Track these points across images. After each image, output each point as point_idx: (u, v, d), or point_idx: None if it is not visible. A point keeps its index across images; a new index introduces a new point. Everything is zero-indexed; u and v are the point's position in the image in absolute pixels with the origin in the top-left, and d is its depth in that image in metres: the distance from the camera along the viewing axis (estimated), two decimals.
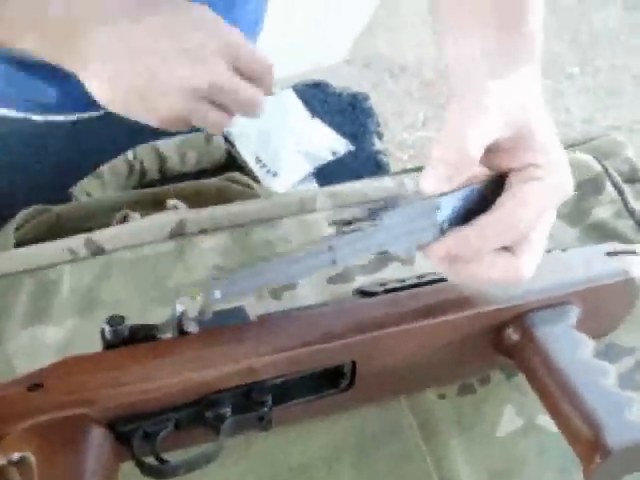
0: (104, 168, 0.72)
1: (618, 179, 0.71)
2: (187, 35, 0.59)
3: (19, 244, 0.63)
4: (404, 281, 0.54)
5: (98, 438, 0.44)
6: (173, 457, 0.46)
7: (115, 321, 0.48)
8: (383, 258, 0.61)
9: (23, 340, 0.55)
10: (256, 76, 0.61)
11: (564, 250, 0.59)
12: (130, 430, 0.46)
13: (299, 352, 0.48)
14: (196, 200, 0.68)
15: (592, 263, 0.57)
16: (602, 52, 2.27)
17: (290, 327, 0.49)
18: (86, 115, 0.80)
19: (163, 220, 0.61)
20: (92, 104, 0.79)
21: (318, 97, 0.87)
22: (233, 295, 0.43)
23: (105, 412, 0.45)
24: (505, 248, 0.47)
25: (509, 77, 0.50)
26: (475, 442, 0.54)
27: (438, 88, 2.02)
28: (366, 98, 0.90)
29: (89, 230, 0.62)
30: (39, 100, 0.78)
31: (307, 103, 0.85)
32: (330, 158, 0.80)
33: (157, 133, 0.76)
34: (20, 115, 0.80)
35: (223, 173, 0.73)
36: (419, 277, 0.54)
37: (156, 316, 0.50)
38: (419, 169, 0.67)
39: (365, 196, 0.66)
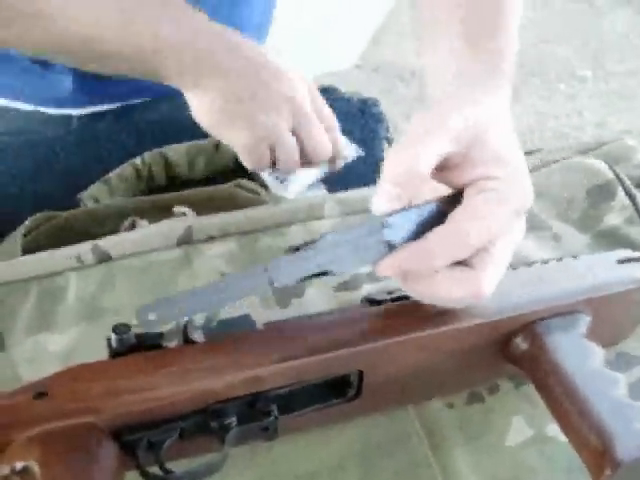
0: (112, 174, 0.72)
1: (630, 185, 0.70)
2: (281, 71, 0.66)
3: (27, 250, 0.63)
4: None
5: (103, 447, 0.44)
6: (177, 466, 0.46)
7: (121, 329, 0.47)
8: None
9: (28, 347, 0.55)
10: (325, 124, 0.69)
11: (575, 257, 0.58)
12: (135, 439, 0.46)
13: (305, 361, 0.47)
14: (204, 207, 0.68)
15: (603, 271, 0.56)
16: (614, 56, 2.26)
17: (297, 336, 0.49)
18: (100, 108, 0.81)
19: (170, 227, 0.61)
20: (106, 97, 0.80)
21: (327, 102, 0.86)
22: (168, 317, 0.43)
23: (110, 421, 0.45)
24: (464, 263, 0.46)
25: (469, 93, 0.51)
26: (483, 452, 0.53)
27: None
28: (376, 103, 0.89)
29: (97, 236, 0.61)
30: (54, 94, 0.79)
31: None
32: (340, 164, 0.80)
33: (165, 139, 0.76)
34: (34, 108, 0.80)
35: (231, 179, 0.72)
36: None
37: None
38: None
39: None
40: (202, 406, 0.46)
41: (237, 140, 0.65)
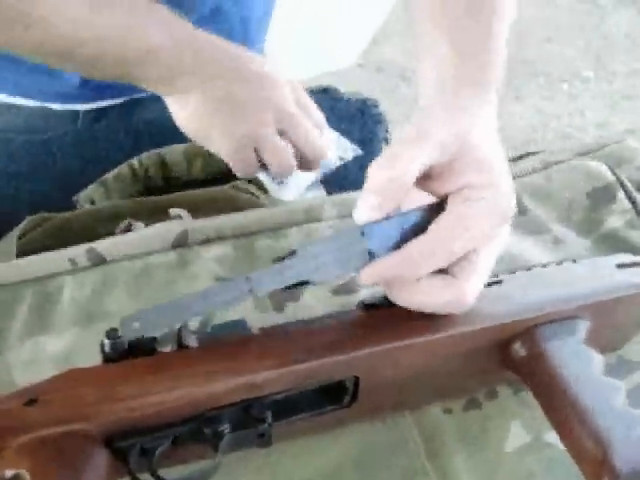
0: (109, 176, 0.72)
1: (631, 188, 0.70)
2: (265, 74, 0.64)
3: (22, 252, 0.63)
4: None
5: (94, 454, 0.44)
6: (170, 474, 0.45)
7: (114, 334, 0.47)
8: None
9: (23, 350, 0.55)
10: (312, 119, 0.67)
11: (574, 261, 0.58)
12: (127, 446, 0.45)
13: (301, 367, 0.47)
14: (201, 208, 0.67)
15: (602, 276, 0.56)
16: (617, 56, 2.25)
17: (292, 342, 0.48)
18: (105, 103, 0.80)
19: (166, 230, 0.60)
20: (112, 91, 0.79)
21: (327, 103, 0.86)
22: (151, 328, 0.43)
23: (102, 427, 0.44)
24: (446, 271, 0.46)
25: (454, 102, 0.51)
26: (481, 458, 0.53)
27: None
28: (375, 104, 0.89)
29: (93, 238, 0.61)
30: (61, 90, 0.78)
31: None
32: (338, 164, 0.79)
33: (163, 140, 0.76)
34: (39, 105, 0.80)
35: (229, 181, 0.72)
36: None
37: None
38: None
39: None
40: (195, 413, 0.46)
41: (219, 147, 0.65)
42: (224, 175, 0.76)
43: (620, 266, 0.57)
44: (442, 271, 0.46)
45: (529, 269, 0.56)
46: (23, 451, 0.42)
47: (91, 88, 0.78)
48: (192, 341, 0.48)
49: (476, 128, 0.49)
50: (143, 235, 0.60)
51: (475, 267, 0.47)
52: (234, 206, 0.68)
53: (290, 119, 0.64)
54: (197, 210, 0.66)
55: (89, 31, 0.59)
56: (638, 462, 0.45)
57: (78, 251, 0.59)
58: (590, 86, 2.18)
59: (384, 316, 0.51)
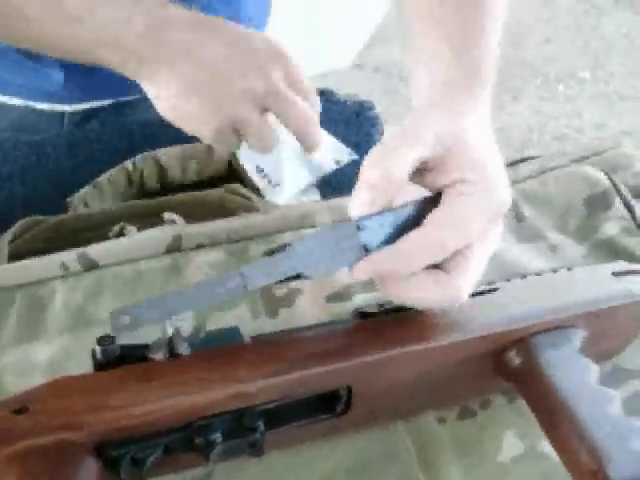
0: (103, 178, 0.71)
1: (627, 194, 0.69)
2: (245, 42, 0.61)
3: (14, 256, 0.62)
4: None
5: (85, 464, 0.43)
6: None
7: (106, 341, 0.46)
8: None
9: (13, 357, 0.54)
10: (302, 94, 0.63)
11: (569, 269, 0.57)
12: (118, 455, 0.44)
13: (293, 377, 0.46)
14: (196, 212, 0.67)
15: (598, 284, 0.55)
16: (614, 57, 2.25)
17: (285, 350, 0.48)
18: (92, 104, 0.80)
19: (159, 235, 0.60)
20: (98, 92, 0.79)
21: (323, 105, 0.85)
22: (142, 322, 0.43)
23: (92, 437, 0.44)
24: (439, 267, 0.46)
25: (448, 99, 0.51)
26: (474, 467, 0.52)
27: None
28: (371, 106, 0.88)
29: (86, 242, 0.60)
30: (45, 87, 0.78)
31: None
32: (333, 167, 0.79)
33: (156, 141, 0.75)
34: (26, 103, 0.79)
35: (224, 183, 0.71)
36: None
37: (149, 334, 0.49)
38: None
39: None
40: (187, 422, 0.45)
41: (198, 130, 0.63)
42: (219, 178, 0.76)
43: (616, 274, 0.57)
44: (435, 267, 0.46)
45: (524, 277, 0.56)
46: (12, 460, 0.42)
47: (76, 87, 0.77)
48: (184, 349, 0.47)
49: (471, 126, 0.49)
50: (136, 240, 0.60)
51: (469, 263, 0.46)
52: (228, 209, 0.68)
53: (277, 97, 0.62)
54: (191, 213, 0.66)
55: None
56: (633, 474, 0.45)
57: (70, 256, 0.58)
58: (587, 87, 2.18)
59: (378, 325, 0.50)
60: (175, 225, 0.61)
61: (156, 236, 0.60)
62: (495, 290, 0.54)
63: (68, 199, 0.71)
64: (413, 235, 0.45)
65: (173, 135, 0.75)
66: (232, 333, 0.49)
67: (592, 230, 0.67)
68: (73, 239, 0.64)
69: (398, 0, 0.62)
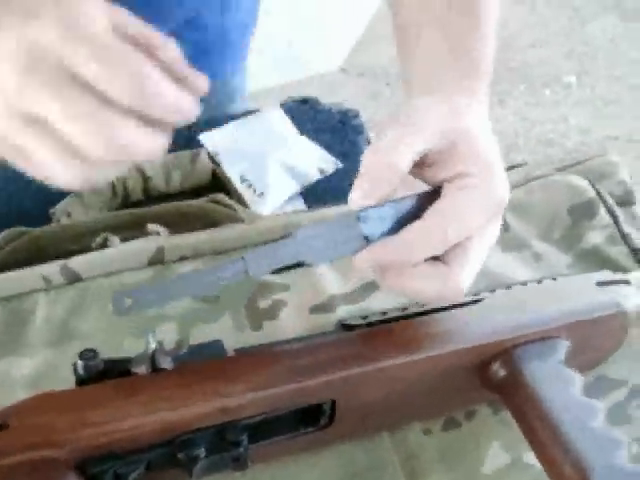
0: None
1: (612, 203, 0.69)
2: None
3: None
4: (386, 313, 0.52)
5: None
6: None
7: (88, 355, 0.46)
8: (367, 286, 0.59)
9: None
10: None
11: (554, 279, 0.57)
12: (100, 471, 0.44)
13: (277, 392, 0.46)
14: (179, 222, 0.66)
15: (582, 294, 0.56)
16: (600, 62, 2.26)
17: (268, 364, 0.48)
18: None
19: (142, 246, 0.59)
20: None
21: (307, 114, 0.85)
22: (143, 305, 0.42)
23: (74, 453, 0.43)
24: (438, 259, 0.46)
25: (448, 94, 0.50)
26: (460, 479, 0.52)
27: None
28: (356, 114, 0.88)
29: (70, 253, 0.60)
30: None
31: (296, 120, 0.83)
32: (318, 177, 0.79)
33: None
34: None
35: (208, 193, 0.71)
36: (402, 309, 0.53)
37: (133, 348, 0.49)
38: None
39: None
40: (169, 437, 0.45)
41: None
42: (203, 187, 0.76)
43: (600, 284, 0.57)
44: (435, 259, 0.46)
45: (509, 287, 0.56)
46: None
47: None
48: (167, 363, 0.47)
49: (472, 122, 0.49)
50: (119, 252, 0.59)
51: (468, 256, 0.46)
52: (212, 219, 0.68)
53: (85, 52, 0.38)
54: (174, 224, 0.65)
55: None
56: None
57: (52, 268, 0.58)
58: (573, 92, 2.19)
59: (361, 337, 0.50)
60: (158, 237, 0.61)
61: (139, 248, 0.59)
62: (479, 301, 0.54)
63: (51, 210, 0.70)
64: (415, 226, 0.45)
65: None
66: (215, 347, 0.49)
67: (577, 239, 0.67)
68: (57, 250, 0.63)
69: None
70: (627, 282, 0.58)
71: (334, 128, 0.85)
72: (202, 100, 0.78)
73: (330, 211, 0.66)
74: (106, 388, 0.46)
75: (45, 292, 0.57)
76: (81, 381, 0.46)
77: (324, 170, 0.79)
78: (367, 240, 0.45)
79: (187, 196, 0.73)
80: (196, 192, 0.74)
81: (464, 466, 0.53)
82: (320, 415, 0.50)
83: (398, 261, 0.45)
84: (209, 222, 0.67)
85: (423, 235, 0.45)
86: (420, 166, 0.47)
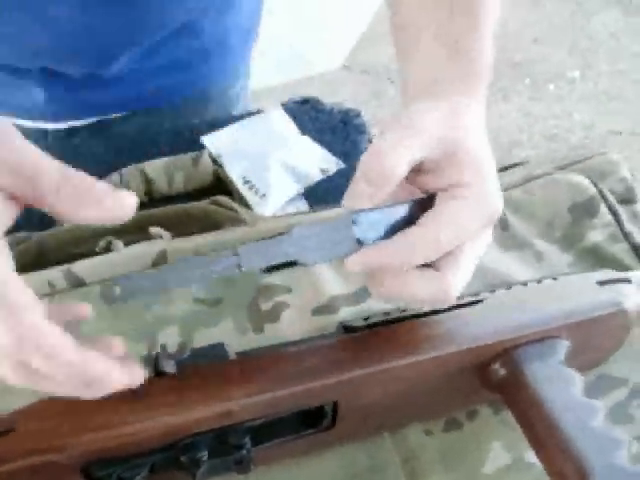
0: None
1: (613, 201, 0.69)
2: None
3: None
4: (388, 314, 0.53)
5: None
6: None
7: None
8: None
9: None
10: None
11: (555, 279, 0.58)
12: (104, 475, 0.45)
13: (279, 394, 0.46)
14: (182, 225, 0.67)
15: (583, 294, 0.56)
16: (603, 57, 2.26)
17: (270, 367, 0.48)
18: (75, 123, 0.80)
19: (144, 250, 0.60)
20: (79, 111, 0.78)
21: (309, 114, 0.86)
22: (133, 293, 0.41)
23: (78, 457, 0.44)
24: (430, 266, 0.46)
25: (445, 99, 0.50)
26: (461, 479, 0.53)
27: None
28: (358, 114, 0.88)
29: (73, 257, 0.60)
30: (26, 104, 0.78)
31: (297, 120, 0.84)
32: (320, 177, 0.79)
33: (143, 153, 0.75)
34: (8, 118, 0.79)
35: (211, 195, 0.71)
36: (403, 310, 0.53)
37: (134, 351, 0.49)
38: None
39: None
40: (173, 440, 0.46)
41: None
42: (206, 189, 0.76)
43: (601, 283, 0.57)
44: (426, 265, 0.46)
45: (509, 287, 0.56)
46: None
47: (57, 105, 0.77)
48: (170, 367, 0.47)
49: (468, 127, 0.49)
50: (121, 256, 0.60)
51: (459, 263, 0.46)
52: (214, 221, 0.68)
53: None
54: (177, 226, 0.66)
55: None
56: None
57: (56, 274, 0.58)
58: (576, 87, 2.18)
59: (363, 339, 0.51)
60: (160, 240, 0.61)
61: (142, 252, 0.60)
62: (480, 302, 0.54)
63: None
64: (409, 232, 0.45)
65: (160, 146, 0.76)
66: (217, 350, 0.49)
67: (578, 238, 0.67)
68: (61, 254, 0.64)
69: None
70: (628, 281, 0.58)
71: (335, 128, 0.85)
72: (202, 105, 0.79)
73: (332, 212, 0.66)
74: (110, 393, 0.46)
75: (50, 297, 0.57)
76: None
77: (326, 170, 0.79)
78: (360, 243, 0.45)
79: (190, 198, 0.73)
80: (199, 194, 0.75)
81: (465, 466, 0.53)
82: (322, 417, 0.50)
83: (390, 265, 0.45)
84: (211, 224, 0.68)
85: (416, 241, 0.45)
86: (416, 172, 0.47)
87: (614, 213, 0.69)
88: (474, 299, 0.54)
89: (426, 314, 0.52)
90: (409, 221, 0.46)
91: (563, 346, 0.53)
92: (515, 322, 0.52)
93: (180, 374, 0.47)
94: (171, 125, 0.78)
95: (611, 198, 0.69)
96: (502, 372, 0.51)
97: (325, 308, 0.58)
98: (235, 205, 0.69)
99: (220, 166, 0.76)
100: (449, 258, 0.46)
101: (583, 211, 0.68)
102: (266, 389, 0.46)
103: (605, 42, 2.29)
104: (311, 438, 0.51)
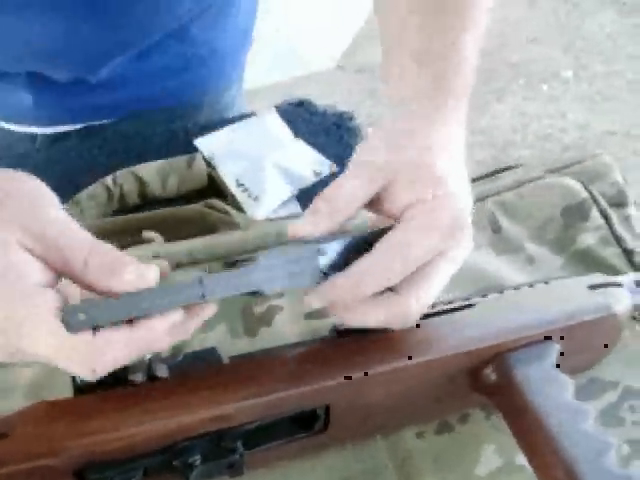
0: (82, 194, 0.71)
1: (604, 204, 0.70)
2: None
3: None
4: None
5: None
6: None
7: None
8: None
9: None
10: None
11: (546, 283, 0.58)
12: (98, 479, 0.45)
13: (271, 398, 0.47)
14: (176, 228, 0.67)
15: (574, 298, 0.56)
16: (597, 57, 2.26)
17: (263, 372, 0.48)
18: (63, 129, 0.80)
19: (137, 255, 0.60)
20: (67, 116, 0.79)
21: (302, 116, 0.86)
22: (96, 321, 0.41)
23: (72, 461, 0.44)
24: (391, 289, 0.46)
25: (409, 119, 0.50)
26: None
27: None
28: (351, 117, 0.88)
29: None
30: (15, 109, 0.78)
31: (291, 123, 0.84)
32: (313, 179, 0.79)
33: (136, 156, 0.75)
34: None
35: (205, 197, 0.72)
36: None
37: None
38: None
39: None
40: (166, 444, 0.46)
41: None
42: (199, 192, 0.76)
43: (592, 287, 0.57)
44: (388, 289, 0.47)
45: (501, 292, 0.56)
46: None
47: (46, 110, 0.77)
48: (162, 371, 0.48)
49: (428, 147, 0.49)
50: None
51: (419, 283, 0.46)
52: (207, 224, 0.68)
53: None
54: (170, 229, 0.66)
55: None
56: None
57: None
58: (570, 87, 2.19)
59: (355, 342, 0.51)
60: (154, 244, 0.61)
61: (135, 256, 0.59)
62: (471, 306, 0.54)
63: None
64: (362, 262, 0.45)
65: (153, 149, 0.76)
66: (210, 354, 0.50)
67: (569, 241, 0.67)
68: None
69: (375, 10, 0.61)
70: (619, 284, 0.58)
71: (329, 130, 0.85)
72: (196, 110, 0.78)
73: None
74: (103, 397, 0.46)
75: None
76: (79, 390, 0.47)
77: (319, 173, 0.80)
78: (324, 274, 0.46)
79: (184, 200, 0.73)
80: (193, 196, 0.75)
81: (458, 469, 0.54)
82: (315, 420, 0.50)
83: (347, 298, 0.46)
84: (205, 227, 0.68)
85: (366, 273, 0.45)
86: (376, 202, 0.48)
87: (605, 216, 0.69)
88: (466, 303, 0.54)
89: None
90: (371, 248, 0.46)
91: (554, 350, 0.53)
92: (507, 326, 0.53)
93: (173, 378, 0.47)
94: (165, 128, 0.78)
95: (602, 201, 0.70)
96: (494, 376, 0.52)
97: (318, 312, 0.58)
98: (228, 208, 0.69)
99: (214, 169, 0.76)
100: (407, 280, 0.46)
101: (575, 214, 0.68)
102: (259, 393, 0.47)
103: (600, 43, 2.30)
104: (304, 441, 0.51)
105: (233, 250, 0.61)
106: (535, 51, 2.26)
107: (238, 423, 0.47)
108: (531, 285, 0.57)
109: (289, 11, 1.81)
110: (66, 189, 0.72)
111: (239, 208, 0.73)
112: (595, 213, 0.69)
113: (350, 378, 0.48)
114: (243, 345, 0.56)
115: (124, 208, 0.74)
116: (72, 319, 0.41)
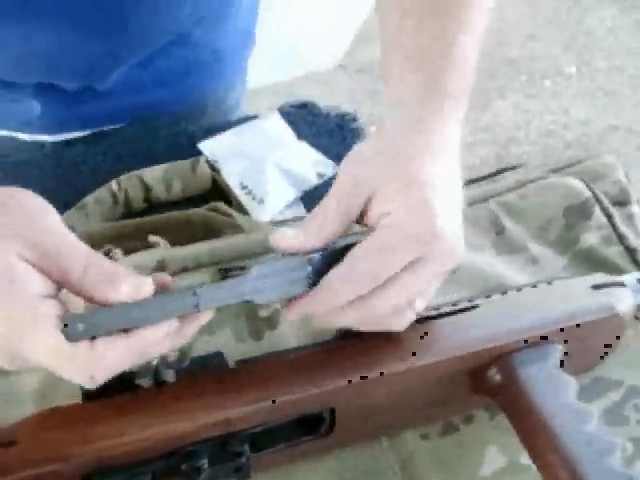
0: (88, 199, 0.71)
1: (607, 203, 0.70)
2: None
3: None
4: None
5: None
6: None
7: None
8: None
9: (1, 386, 0.54)
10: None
11: (550, 283, 0.58)
12: None
13: (278, 402, 0.47)
14: (180, 231, 0.67)
15: (577, 298, 0.56)
16: (599, 53, 2.26)
17: (268, 375, 0.49)
18: (71, 135, 0.80)
19: (143, 259, 0.60)
20: (76, 123, 0.79)
21: (305, 118, 0.86)
22: (95, 331, 0.42)
23: (81, 467, 0.45)
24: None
25: (406, 124, 0.50)
26: None
27: None
28: (354, 118, 0.89)
29: None
30: (23, 118, 0.78)
31: (294, 124, 0.84)
32: (317, 181, 0.79)
33: (141, 161, 0.76)
34: (5, 134, 0.80)
35: (210, 200, 0.72)
36: None
37: None
38: None
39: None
40: (173, 449, 0.46)
41: None
42: (204, 195, 0.77)
43: (595, 287, 0.58)
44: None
45: (504, 292, 0.57)
46: None
47: (54, 118, 0.77)
48: (169, 376, 0.48)
49: (418, 152, 0.48)
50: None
51: (389, 293, 0.46)
52: (212, 227, 0.69)
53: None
54: (176, 232, 0.66)
55: None
56: None
57: None
58: (573, 83, 2.19)
59: (360, 344, 0.51)
60: (159, 249, 0.61)
61: (141, 261, 0.60)
62: (475, 307, 0.54)
63: None
64: (334, 274, 0.46)
65: (158, 155, 0.76)
66: (216, 358, 0.50)
67: (572, 241, 0.67)
68: None
69: (376, 9, 0.61)
70: (622, 284, 0.59)
71: (332, 132, 0.86)
72: (200, 114, 0.79)
73: None
74: (111, 403, 0.47)
75: None
76: (87, 396, 0.47)
77: (323, 174, 0.80)
78: (312, 284, 0.46)
79: (189, 204, 0.74)
80: (197, 200, 0.75)
81: (462, 469, 0.54)
82: (320, 423, 0.51)
83: (324, 310, 0.47)
84: (209, 230, 0.68)
85: (342, 281, 0.46)
86: (362, 217, 0.48)
87: (608, 215, 0.69)
88: (470, 305, 0.55)
89: (421, 320, 0.53)
90: None
91: (558, 350, 0.53)
92: (510, 327, 0.53)
93: (180, 383, 0.48)
94: (169, 132, 0.78)
95: (605, 200, 0.70)
96: (497, 377, 0.52)
97: None
98: (232, 211, 0.70)
99: (218, 172, 0.77)
100: (378, 289, 0.46)
101: (577, 214, 0.69)
102: (265, 397, 0.47)
103: (602, 38, 2.29)
104: (309, 444, 0.51)
105: (238, 253, 0.62)
106: (536, 47, 2.26)
107: (244, 427, 0.47)
108: (534, 285, 0.58)
109: (290, 10, 1.81)
110: (72, 194, 0.73)
111: (243, 211, 0.73)
112: (598, 212, 0.69)
113: (355, 381, 0.48)
114: (249, 349, 0.56)
115: (129, 212, 0.74)
116: (71, 329, 0.41)
